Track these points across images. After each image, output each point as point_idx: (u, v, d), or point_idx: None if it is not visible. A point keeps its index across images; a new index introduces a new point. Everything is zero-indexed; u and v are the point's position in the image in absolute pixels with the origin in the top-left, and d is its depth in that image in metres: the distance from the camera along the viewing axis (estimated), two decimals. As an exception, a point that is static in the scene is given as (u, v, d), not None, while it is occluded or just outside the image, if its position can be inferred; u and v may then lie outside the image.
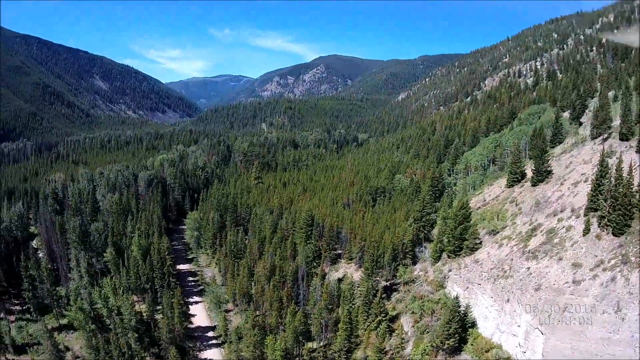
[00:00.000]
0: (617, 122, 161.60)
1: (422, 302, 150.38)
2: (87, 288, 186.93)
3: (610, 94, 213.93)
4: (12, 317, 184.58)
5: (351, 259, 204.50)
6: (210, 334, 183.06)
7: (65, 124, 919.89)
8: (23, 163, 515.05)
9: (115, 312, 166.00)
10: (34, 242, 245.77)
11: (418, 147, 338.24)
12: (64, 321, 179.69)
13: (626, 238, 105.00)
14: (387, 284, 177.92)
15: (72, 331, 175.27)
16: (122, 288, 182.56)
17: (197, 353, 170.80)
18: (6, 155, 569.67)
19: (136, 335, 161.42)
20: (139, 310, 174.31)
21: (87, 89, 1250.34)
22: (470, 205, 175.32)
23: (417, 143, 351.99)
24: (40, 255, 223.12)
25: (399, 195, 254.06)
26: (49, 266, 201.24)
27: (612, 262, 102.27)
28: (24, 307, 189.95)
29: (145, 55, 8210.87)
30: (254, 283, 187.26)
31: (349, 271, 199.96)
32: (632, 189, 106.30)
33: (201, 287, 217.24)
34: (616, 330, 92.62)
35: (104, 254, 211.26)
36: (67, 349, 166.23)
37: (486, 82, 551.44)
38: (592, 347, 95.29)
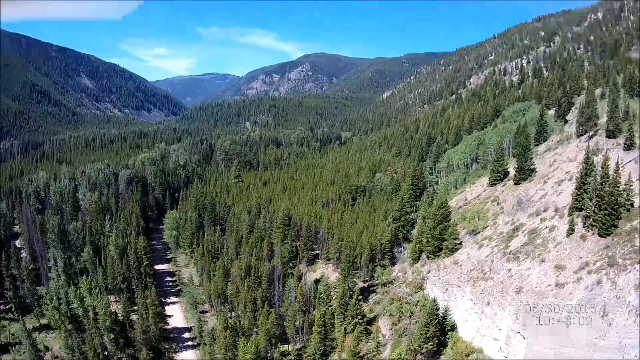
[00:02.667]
0: (603, 119, 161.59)
1: (401, 304, 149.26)
2: (64, 288, 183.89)
3: (598, 91, 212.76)
4: None
5: (329, 260, 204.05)
6: (187, 335, 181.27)
7: (52, 123, 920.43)
8: (9, 162, 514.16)
9: (91, 312, 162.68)
10: (18, 241, 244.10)
11: (400, 145, 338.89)
12: (44, 321, 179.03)
13: (613, 239, 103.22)
14: (365, 285, 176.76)
15: (51, 331, 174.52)
16: (98, 288, 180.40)
17: (173, 354, 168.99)
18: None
19: (112, 335, 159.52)
20: (114, 310, 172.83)
21: (74, 87, 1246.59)
22: (451, 204, 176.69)
23: (399, 141, 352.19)
24: (23, 254, 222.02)
25: (379, 194, 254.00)
26: (31, 266, 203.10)
27: (598, 264, 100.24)
28: (7, 307, 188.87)
29: (132, 53, 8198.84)
30: (230, 283, 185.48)
31: (327, 272, 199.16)
32: (619, 187, 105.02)
33: (179, 288, 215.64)
34: (602, 336, 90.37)
35: (82, 254, 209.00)
36: (47, 348, 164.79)
37: (471, 80, 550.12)
38: (577, 353, 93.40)
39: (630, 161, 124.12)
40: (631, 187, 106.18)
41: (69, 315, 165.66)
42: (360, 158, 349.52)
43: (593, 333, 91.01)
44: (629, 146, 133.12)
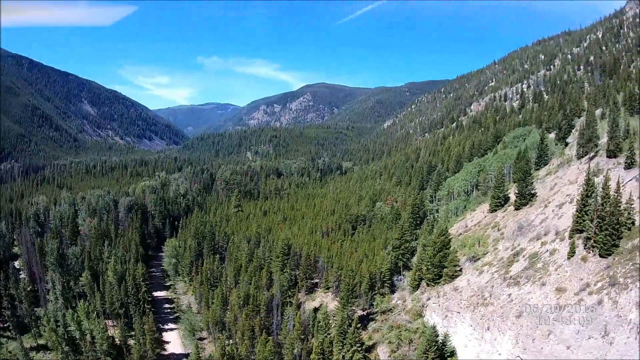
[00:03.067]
0: (604, 139, 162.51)
1: (400, 331, 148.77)
2: (62, 310, 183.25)
3: (598, 111, 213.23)
4: None
5: (328, 288, 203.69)
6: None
7: (53, 148, 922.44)
8: (10, 184, 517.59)
9: (89, 335, 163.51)
10: (17, 262, 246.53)
11: (400, 174, 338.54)
12: (42, 341, 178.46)
13: (614, 259, 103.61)
14: (364, 313, 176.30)
15: (48, 351, 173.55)
16: (96, 312, 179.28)
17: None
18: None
19: (108, 359, 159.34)
20: (111, 335, 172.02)
21: (76, 112, 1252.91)
22: (451, 231, 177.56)
23: (400, 170, 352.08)
24: (22, 275, 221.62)
25: (379, 223, 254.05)
26: (29, 287, 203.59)
27: (599, 284, 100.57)
28: (5, 325, 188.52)
29: (133, 82, 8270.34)
30: (228, 311, 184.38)
31: (326, 300, 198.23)
32: (619, 206, 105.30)
33: (177, 314, 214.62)
34: (604, 354, 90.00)
35: (81, 278, 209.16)
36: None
37: (472, 107, 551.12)
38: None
39: (631, 180, 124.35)
40: (632, 206, 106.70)
41: (66, 337, 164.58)
42: (360, 187, 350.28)
43: (594, 353, 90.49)
44: (629, 165, 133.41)
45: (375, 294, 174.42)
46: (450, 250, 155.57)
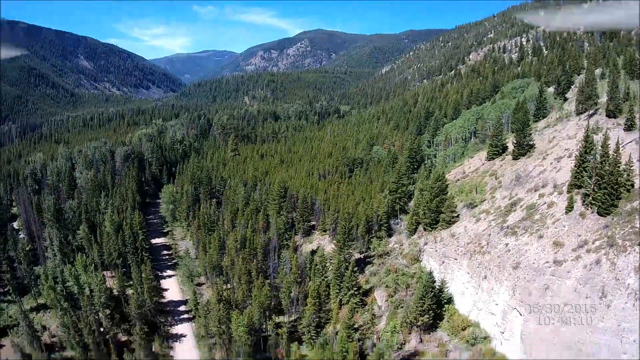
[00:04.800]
0: (603, 99, 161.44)
1: (397, 275, 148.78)
2: (60, 267, 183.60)
3: (597, 71, 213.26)
4: None
5: (325, 231, 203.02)
6: (182, 308, 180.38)
7: (50, 105, 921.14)
8: (7, 146, 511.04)
9: (87, 289, 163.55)
10: (16, 223, 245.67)
11: (398, 119, 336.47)
12: (42, 300, 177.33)
13: (612, 219, 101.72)
14: (361, 256, 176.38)
15: (48, 310, 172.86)
16: (93, 264, 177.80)
17: (168, 328, 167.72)
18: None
19: (107, 311, 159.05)
20: (109, 286, 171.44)
21: (72, 68, 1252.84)
22: (448, 177, 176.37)
23: (397, 115, 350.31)
24: (21, 235, 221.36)
25: (376, 166, 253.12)
26: (28, 246, 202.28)
27: (597, 243, 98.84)
28: (5, 289, 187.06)
29: (129, 34, 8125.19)
30: (225, 256, 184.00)
31: (323, 243, 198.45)
32: (619, 167, 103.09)
33: (175, 261, 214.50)
34: (601, 317, 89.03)
35: (78, 232, 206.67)
36: (44, 328, 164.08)
37: (470, 56, 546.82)
38: (575, 333, 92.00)
39: (630, 142, 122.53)
40: (632, 168, 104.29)
41: (64, 293, 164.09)
42: (358, 131, 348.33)
43: (591, 314, 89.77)
44: (629, 127, 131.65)
45: (372, 237, 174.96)
46: (447, 196, 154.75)
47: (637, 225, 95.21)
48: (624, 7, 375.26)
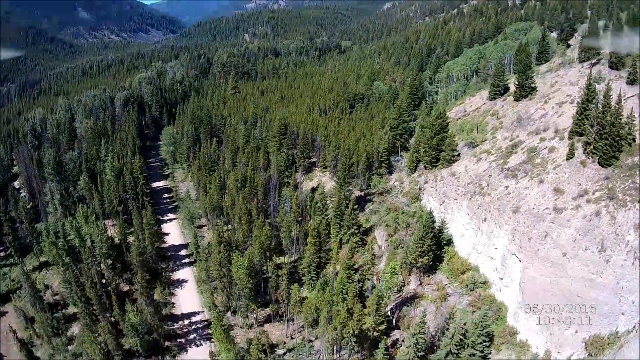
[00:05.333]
0: (606, 50, 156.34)
1: (397, 214, 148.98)
2: (61, 220, 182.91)
3: (601, 23, 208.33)
4: None
5: (325, 168, 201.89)
6: (183, 252, 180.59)
7: (49, 59, 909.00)
8: (7, 106, 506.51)
9: (88, 240, 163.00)
10: (17, 182, 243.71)
11: (400, 55, 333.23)
12: (44, 258, 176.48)
13: (613, 171, 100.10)
14: (361, 193, 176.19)
15: (51, 268, 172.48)
16: (95, 214, 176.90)
17: (170, 274, 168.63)
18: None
19: (109, 262, 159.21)
20: (111, 235, 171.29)
21: (70, 21, 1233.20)
22: (449, 115, 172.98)
23: (399, 50, 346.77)
24: (22, 194, 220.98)
25: (377, 102, 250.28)
26: (30, 204, 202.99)
27: (597, 194, 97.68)
28: (7, 252, 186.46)
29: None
30: (226, 196, 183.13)
31: (323, 180, 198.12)
32: (620, 119, 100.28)
33: (176, 204, 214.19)
34: (599, 272, 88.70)
35: (79, 182, 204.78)
36: (47, 286, 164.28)
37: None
38: (573, 285, 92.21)
39: (633, 96, 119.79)
40: (633, 122, 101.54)
41: (66, 248, 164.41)
42: (359, 66, 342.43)
43: (590, 268, 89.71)
44: (632, 81, 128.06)
45: (372, 174, 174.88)
46: (448, 134, 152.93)
47: (638, 181, 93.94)
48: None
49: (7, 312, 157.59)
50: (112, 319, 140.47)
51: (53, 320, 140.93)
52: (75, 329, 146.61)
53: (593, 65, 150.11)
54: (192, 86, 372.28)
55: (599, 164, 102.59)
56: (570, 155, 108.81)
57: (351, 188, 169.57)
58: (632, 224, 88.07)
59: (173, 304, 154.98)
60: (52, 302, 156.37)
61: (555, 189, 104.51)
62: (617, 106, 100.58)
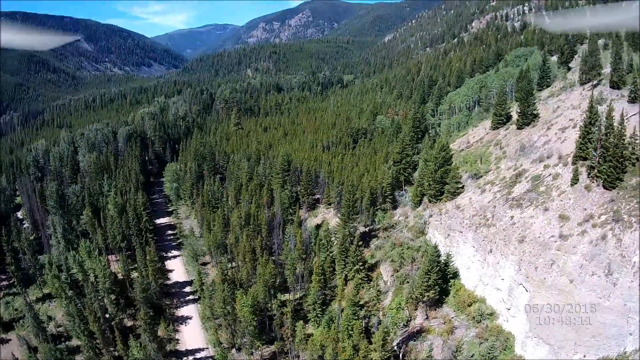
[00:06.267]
0: (607, 69, 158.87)
1: (402, 249, 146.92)
2: (64, 254, 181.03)
3: (600, 41, 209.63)
4: (0, 294, 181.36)
5: (330, 204, 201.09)
6: (188, 289, 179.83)
7: (52, 90, 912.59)
8: (9, 135, 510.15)
9: (91, 275, 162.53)
10: (20, 212, 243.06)
11: (402, 88, 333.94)
12: (47, 290, 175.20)
13: (618, 193, 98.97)
14: (366, 229, 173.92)
15: (54, 300, 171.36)
16: (98, 249, 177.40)
17: (174, 310, 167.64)
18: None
19: (112, 297, 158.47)
20: (114, 270, 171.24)
21: (72, 52, 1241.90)
22: (453, 147, 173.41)
23: (401, 83, 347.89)
24: (25, 225, 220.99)
25: (380, 136, 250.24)
26: (32, 236, 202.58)
27: (603, 218, 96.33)
28: (10, 282, 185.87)
29: (129, 13, 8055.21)
30: (229, 233, 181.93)
31: (328, 216, 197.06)
32: (624, 140, 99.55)
33: (180, 241, 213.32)
34: (607, 296, 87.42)
35: (82, 216, 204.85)
36: (50, 318, 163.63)
37: (473, 24, 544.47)
38: (581, 311, 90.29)
39: (635, 114, 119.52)
40: (636, 141, 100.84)
41: (69, 281, 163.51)
42: (361, 101, 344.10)
43: (597, 292, 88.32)
44: (633, 99, 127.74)
45: (377, 210, 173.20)
46: (452, 166, 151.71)
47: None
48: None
49: (10, 340, 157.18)
50: (116, 354, 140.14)
51: (56, 352, 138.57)
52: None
53: (594, 86, 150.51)
54: (195, 122, 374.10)
55: (604, 187, 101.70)
56: (575, 180, 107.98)
57: (355, 224, 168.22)
58: (638, 244, 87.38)
59: (177, 340, 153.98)
60: (55, 333, 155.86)
61: (561, 216, 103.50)
62: (619, 127, 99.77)
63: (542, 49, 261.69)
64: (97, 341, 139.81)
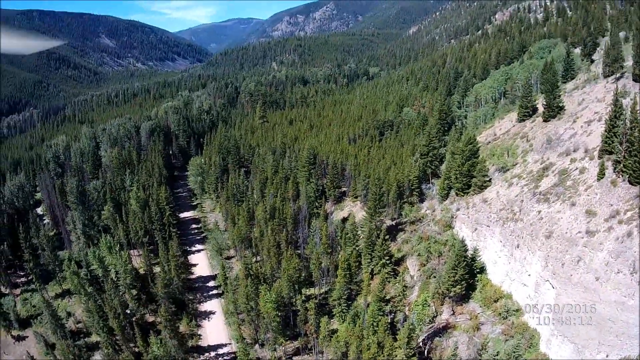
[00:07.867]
0: (629, 62, 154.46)
1: (429, 243, 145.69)
2: (84, 249, 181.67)
3: (621, 34, 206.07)
4: (18, 291, 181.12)
5: (356, 197, 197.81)
6: (211, 283, 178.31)
7: (73, 86, 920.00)
8: (29, 132, 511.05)
9: (112, 270, 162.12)
10: (40, 209, 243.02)
11: (427, 79, 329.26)
12: (67, 286, 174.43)
13: None
14: (393, 223, 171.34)
15: (74, 296, 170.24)
16: (119, 244, 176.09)
17: (197, 305, 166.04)
18: (12, 128, 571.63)
19: (133, 292, 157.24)
20: (135, 266, 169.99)
21: (94, 48, 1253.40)
22: (479, 139, 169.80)
23: (426, 75, 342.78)
24: (46, 221, 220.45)
25: (407, 129, 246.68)
26: (53, 232, 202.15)
27: (629, 214, 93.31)
28: (28, 279, 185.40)
29: (150, 9, 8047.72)
30: (254, 227, 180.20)
31: (354, 210, 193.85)
32: None
33: (204, 234, 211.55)
34: (631, 294, 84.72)
35: (103, 212, 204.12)
36: (69, 314, 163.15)
37: (496, 16, 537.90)
38: (606, 309, 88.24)
39: None
40: None
41: (89, 277, 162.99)
42: (387, 93, 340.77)
43: (622, 290, 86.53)
44: None
45: (404, 203, 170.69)
46: (478, 159, 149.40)
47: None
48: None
49: (27, 337, 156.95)
50: (136, 350, 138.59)
51: (75, 348, 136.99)
52: (97, 357, 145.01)
53: (617, 79, 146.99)
54: (220, 116, 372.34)
55: (629, 182, 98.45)
56: (601, 175, 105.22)
57: (382, 218, 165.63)
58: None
59: (200, 335, 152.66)
60: (74, 329, 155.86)
61: (587, 212, 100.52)
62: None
63: (565, 41, 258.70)
64: (117, 337, 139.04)
